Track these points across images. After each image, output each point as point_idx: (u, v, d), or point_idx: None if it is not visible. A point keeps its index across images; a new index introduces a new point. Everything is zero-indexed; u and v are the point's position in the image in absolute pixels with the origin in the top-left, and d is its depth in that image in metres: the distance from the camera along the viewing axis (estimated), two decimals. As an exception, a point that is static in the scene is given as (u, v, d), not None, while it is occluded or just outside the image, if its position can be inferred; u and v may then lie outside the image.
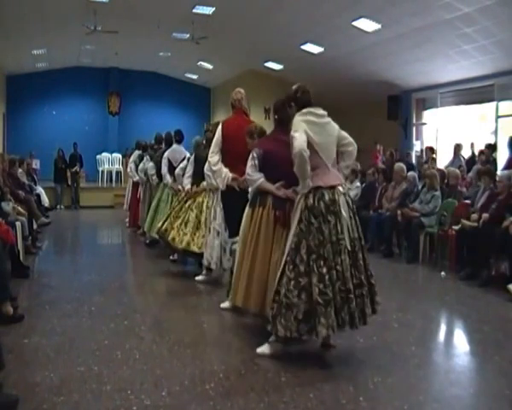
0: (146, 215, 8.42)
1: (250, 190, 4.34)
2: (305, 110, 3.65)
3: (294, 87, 3.79)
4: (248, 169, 4.04)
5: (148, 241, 8.30)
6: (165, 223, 6.24)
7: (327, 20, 11.19)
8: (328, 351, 3.61)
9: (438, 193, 7.44)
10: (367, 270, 3.60)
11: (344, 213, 3.51)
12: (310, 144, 3.51)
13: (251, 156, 4.06)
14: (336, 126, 3.74)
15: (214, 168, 4.96)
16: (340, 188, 3.58)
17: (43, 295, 5.35)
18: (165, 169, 7.43)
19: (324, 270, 3.42)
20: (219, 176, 4.92)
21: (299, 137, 3.48)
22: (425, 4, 9.35)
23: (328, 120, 3.71)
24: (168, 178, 7.37)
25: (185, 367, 3.49)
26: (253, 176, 4.00)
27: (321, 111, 3.69)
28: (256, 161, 3.99)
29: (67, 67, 18.58)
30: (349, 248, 3.49)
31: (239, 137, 4.65)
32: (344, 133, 3.76)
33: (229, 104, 5.27)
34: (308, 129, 3.53)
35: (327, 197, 3.50)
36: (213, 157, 4.99)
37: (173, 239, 6.09)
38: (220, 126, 5.07)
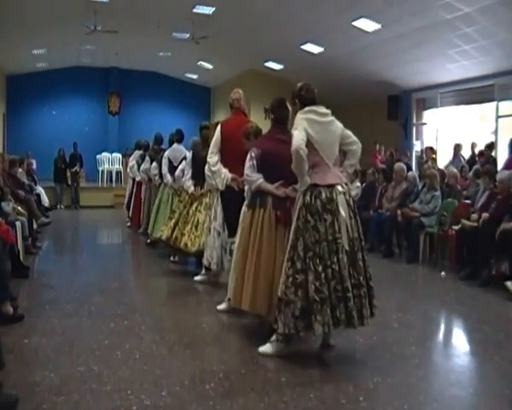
0: (147, 215, 8.44)
1: (246, 189, 4.34)
2: (307, 108, 3.63)
3: (299, 85, 3.76)
4: (247, 170, 4.01)
5: (148, 241, 8.27)
6: (175, 231, 6.17)
7: (327, 20, 11.19)
8: (327, 351, 3.60)
9: (438, 193, 7.44)
10: (366, 271, 3.56)
11: (343, 212, 3.48)
12: (310, 143, 3.50)
13: (249, 157, 4.04)
14: (340, 125, 3.70)
15: (213, 169, 4.97)
16: (339, 187, 3.53)
17: (43, 295, 5.35)
18: (165, 169, 7.44)
19: (320, 268, 3.42)
20: (218, 176, 4.93)
21: (297, 135, 3.49)
22: (425, 4, 9.35)
23: (331, 118, 3.68)
24: (169, 178, 7.38)
25: (185, 367, 3.49)
26: (252, 176, 3.98)
27: (323, 110, 3.67)
28: (254, 162, 3.97)
29: (67, 67, 18.58)
30: (347, 248, 3.46)
31: (238, 137, 4.65)
32: (348, 132, 3.72)
33: (229, 105, 5.27)
34: (308, 127, 3.52)
35: (324, 195, 3.48)
36: (213, 158, 5.00)
37: (186, 245, 6.04)
38: (219, 127, 5.08)
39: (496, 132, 11.55)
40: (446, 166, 9.75)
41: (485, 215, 6.15)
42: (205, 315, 4.86)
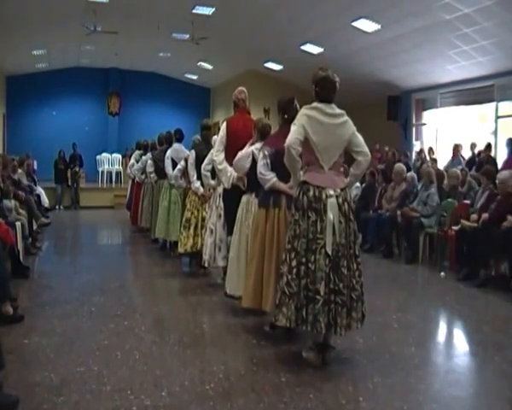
0: (150, 216, 8.41)
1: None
2: (313, 104, 3.51)
3: (322, 75, 3.51)
4: (261, 168, 3.98)
5: (161, 245, 8.11)
6: (195, 238, 6.10)
7: (327, 21, 11.19)
8: (327, 351, 3.60)
9: (433, 190, 7.42)
10: (351, 281, 3.43)
11: (330, 215, 3.36)
12: (307, 140, 3.43)
13: (262, 155, 4.01)
14: (351, 130, 3.52)
15: (220, 167, 4.92)
16: (331, 190, 3.41)
17: (43, 295, 5.35)
18: (169, 169, 7.23)
19: (294, 263, 3.41)
20: (224, 175, 4.88)
21: (293, 132, 3.43)
22: (425, 5, 9.36)
23: (342, 120, 3.51)
24: (174, 179, 7.11)
25: (185, 367, 3.49)
26: (266, 175, 3.96)
27: (333, 110, 3.50)
28: (268, 160, 3.95)
29: (67, 67, 18.61)
30: (329, 251, 3.35)
31: (243, 135, 4.65)
32: (358, 139, 3.54)
33: (231, 102, 5.26)
34: (307, 125, 3.42)
35: (311, 193, 3.42)
36: (219, 156, 4.95)
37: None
38: (225, 124, 5.05)
39: (495, 133, 11.57)
40: (446, 167, 9.76)
41: (484, 216, 6.15)
42: (205, 315, 4.87)
